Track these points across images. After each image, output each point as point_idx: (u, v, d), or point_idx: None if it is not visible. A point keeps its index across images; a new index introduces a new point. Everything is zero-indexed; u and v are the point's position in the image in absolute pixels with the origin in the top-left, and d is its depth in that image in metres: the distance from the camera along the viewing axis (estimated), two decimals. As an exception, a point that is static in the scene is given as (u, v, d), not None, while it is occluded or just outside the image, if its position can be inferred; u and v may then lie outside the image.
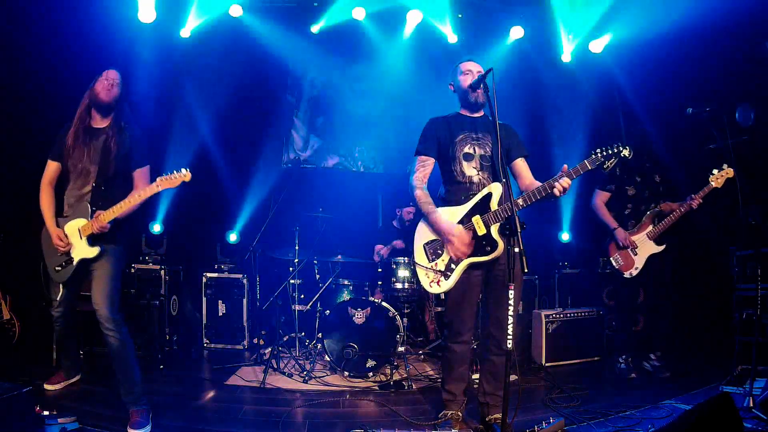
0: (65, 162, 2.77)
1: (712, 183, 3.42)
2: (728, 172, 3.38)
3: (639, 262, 3.67)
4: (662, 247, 3.67)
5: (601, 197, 3.83)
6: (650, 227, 3.69)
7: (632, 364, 3.69)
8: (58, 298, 2.85)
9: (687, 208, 3.55)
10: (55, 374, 3.21)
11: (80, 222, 2.70)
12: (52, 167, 2.83)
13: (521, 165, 2.74)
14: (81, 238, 2.69)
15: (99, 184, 2.73)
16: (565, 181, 2.39)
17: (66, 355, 3.22)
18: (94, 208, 2.69)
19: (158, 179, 2.64)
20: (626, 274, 3.68)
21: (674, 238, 3.74)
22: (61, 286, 2.81)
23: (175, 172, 2.64)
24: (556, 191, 2.39)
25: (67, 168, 2.77)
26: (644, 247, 3.68)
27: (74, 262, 2.72)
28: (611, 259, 3.74)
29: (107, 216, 2.65)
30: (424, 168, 2.72)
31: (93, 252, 2.68)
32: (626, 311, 3.83)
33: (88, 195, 2.72)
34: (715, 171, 3.42)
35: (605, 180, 3.83)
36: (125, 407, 2.63)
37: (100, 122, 2.80)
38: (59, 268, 2.76)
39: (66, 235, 2.71)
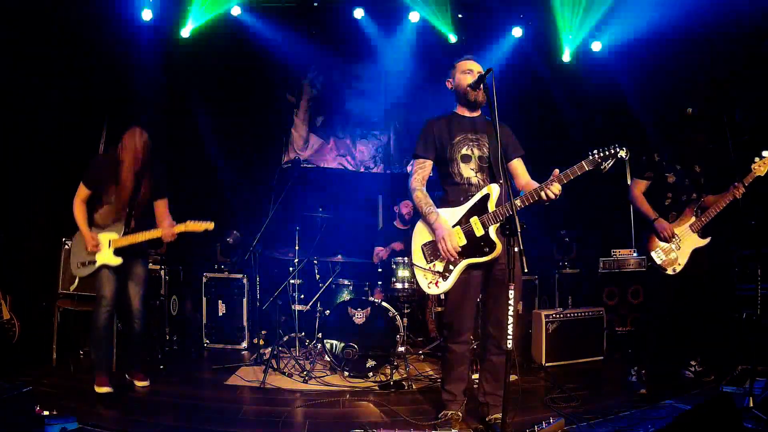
0: (100, 190, 3.19)
1: (755, 170, 3.23)
2: None
3: (682, 257, 3.33)
4: (707, 241, 3.37)
5: (639, 187, 3.49)
6: (692, 218, 3.38)
7: (644, 377, 3.37)
8: (71, 289, 3.45)
9: (731, 197, 3.30)
10: (97, 374, 3.09)
11: (112, 235, 3.18)
12: (84, 192, 3.21)
13: (517, 165, 2.74)
14: (109, 247, 3.17)
15: (131, 210, 3.23)
16: (556, 188, 2.38)
17: (106, 349, 3.23)
18: (127, 229, 3.20)
19: (189, 222, 3.25)
20: (669, 271, 3.33)
21: (721, 233, 3.46)
22: (77, 279, 3.37)
23: (202, 222, 3.26)
24: (544, 195, 2.39)
25: (102, 195, 3.19)
26: (687, 240, 3.35)
27: (96, 265, 3.16)
28: (652, 253, 3.36)
29: (144, 236, 3.20)
30: (423, 170, 2.72)
31: (116, 261, 3.17)
32: (660, 313, 3.43)
33: (122, 217, 3.20)
34: (756, 159, 3.24)
35: (643, 167, 3.49)
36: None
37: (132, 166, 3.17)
38: (81, 266, 3.22)
39: (100, 243, 3.16)
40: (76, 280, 3.41)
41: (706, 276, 3.43)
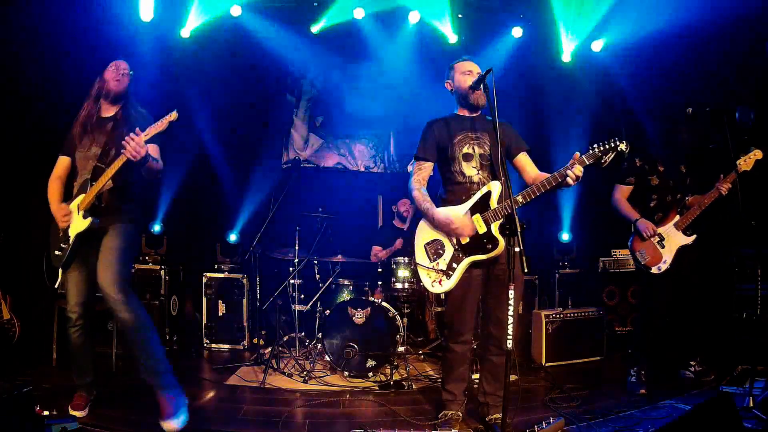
0: (73, 154, 2.74)
1: (740, 165, 3.20)
2: (756, 153, 3.22)
3: (668, 255, 3.33)
4: (692, 238, 3.35)
5: (620, 191, 3.54)
6: (677, 217, 3.39)
7: (644, 377, 3.36)
8: (56, 285, 2.76)
9: (716, 194, 3.30)
10: (75, 395, 2.77)
11: (80, 198, 2.64)
12: (63, 163, 2.80)
13: (524, 159, 2.73)
14: (78, 212, 2.62)
15: (101, 163, 2.64)
16: (578, 169, 2.36)
17: (84, 370, 2.79)
18: (92, 183, 2.61)
19: (147, 128, 2.49)
20: (654, 269, 3.34)
21: (711, 231, 3.43)
22: (60, 271, 2.73)
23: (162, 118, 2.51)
24: (569, 180, 2.37)
25: (75, 159, 2.73)
26: (672, 238, 3.35)
27: (70, 240, 2.63)
28: (636, 254, 3.40)
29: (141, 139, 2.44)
30: (422, 171, 2.73)
31: (85, 223, 2.59)
32: (652, 313, 3.42)
33: (89, 173, 2.65)
34: (741, 155, 3.23)
35: (624, 172, 3.53)
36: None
37: (107, 111, 2.77)
38: (58, 252, 2.69)
39: (69, 212, 2.66)
40: (59, 274, 2.73)
41: (695, 274, 3.43)
